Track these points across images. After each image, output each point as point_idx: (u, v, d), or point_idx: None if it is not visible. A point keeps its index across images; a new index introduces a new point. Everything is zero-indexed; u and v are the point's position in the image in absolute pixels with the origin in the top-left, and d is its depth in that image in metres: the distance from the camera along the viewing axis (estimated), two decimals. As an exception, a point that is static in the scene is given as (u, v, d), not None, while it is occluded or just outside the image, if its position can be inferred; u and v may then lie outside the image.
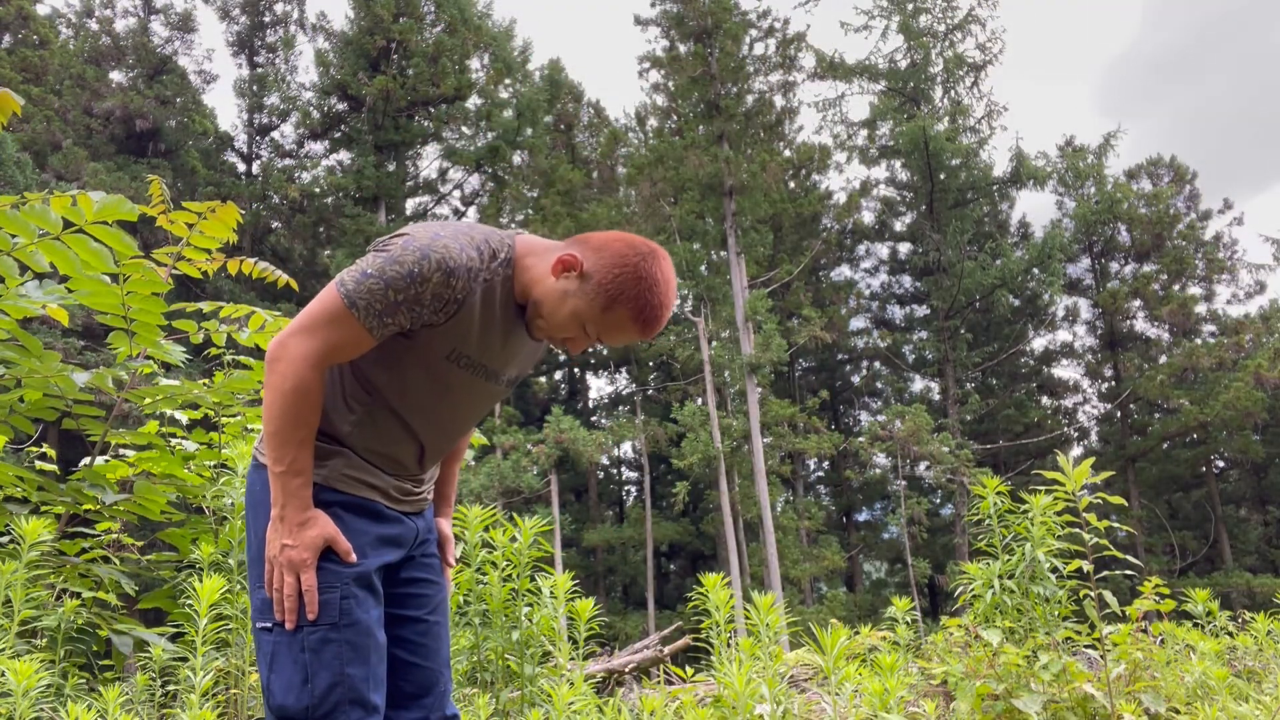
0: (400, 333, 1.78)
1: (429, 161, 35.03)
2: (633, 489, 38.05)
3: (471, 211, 35.48)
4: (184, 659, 3.55)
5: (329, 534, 1.76)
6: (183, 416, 4.76)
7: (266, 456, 1.77)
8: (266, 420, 1.75)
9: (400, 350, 1.82)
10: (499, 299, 1.83)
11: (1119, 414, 34.01)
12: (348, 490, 1.83)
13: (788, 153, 32.60)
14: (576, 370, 38.60)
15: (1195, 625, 4.93)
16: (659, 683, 5.23)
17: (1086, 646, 4.03)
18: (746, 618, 3.70)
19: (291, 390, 1.72)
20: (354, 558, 1.78)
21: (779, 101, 30.45)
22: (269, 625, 1.76)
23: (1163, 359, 32.70)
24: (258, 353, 4.85)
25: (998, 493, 4.01)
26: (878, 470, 32.73)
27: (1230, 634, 5.05)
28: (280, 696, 1.74)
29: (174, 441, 4.72)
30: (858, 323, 36.17)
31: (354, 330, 1.74)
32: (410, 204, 34.55)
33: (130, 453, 4.77)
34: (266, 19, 34.34)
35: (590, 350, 36.13)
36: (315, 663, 1.73)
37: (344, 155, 33.60)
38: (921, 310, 35.26)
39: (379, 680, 1.79)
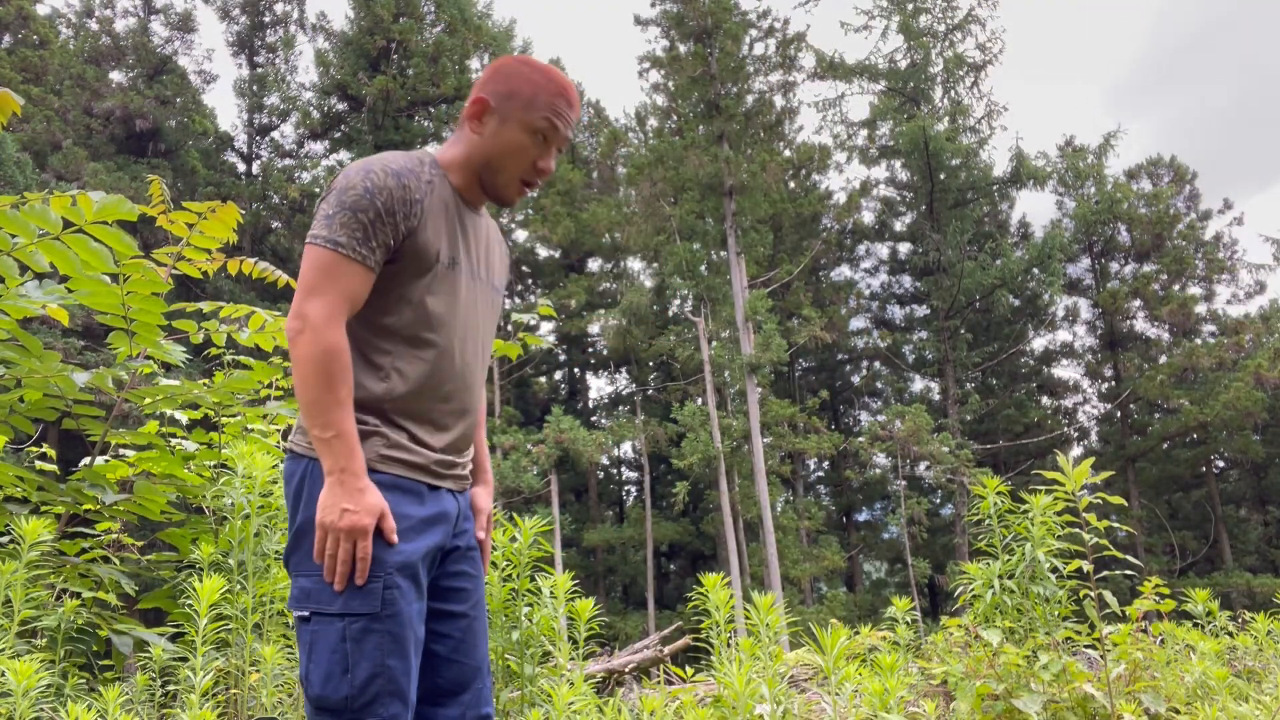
0: (389, 259, 1.83)
1: (429, 161, 35.01)
2: (633, 489, 38.04)
3: (471, 211, 35.41)
4: (184, 659, 3.55)
5: (383, 506, 1.74)
6: (183, 416, 4.76)
7: (309, 431, 1.75)
8: (301, 393, 1.73)
9: (394, 288, 1.84)
10: (447, 195, 1.92)
11: (1119, 414, 34.00)
12: (388, 470, 1.81)
13: (788, 153, 32.59)
14: (576, 370, 38.61)
15: (1195, 625, 4.93)
16: (659, 683, 5.23)
17: (1086, 646, 4.03)
18: (746, 618, 3.70)
19: (322, 353, 1.72)
20: (396, 539, 1.76)
21: (779, 101, 30.46)
22: (306, 615, 1.74)
23: (1163, 359, 32.70)
24: (258, 353, 4.85)
25: (998, 493, 4.00)
26: (878, 470, 32.72)
27: (1230, 634, 5.05)
28: (319, 687, 1.71)
29: (174, 441, 4.72)
30: (858, 323, 36.19)
31: (351, 269, 1.78)
32: (410, 204, 34.49)
33: (130, 453, 4.77)
34: (266, 19, 34.34)
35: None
36: (356, 652, 1.70)
37: (344, 155, 33.60)
38: (921, 310, 35.25)
39: (414, 676, 1.78)
